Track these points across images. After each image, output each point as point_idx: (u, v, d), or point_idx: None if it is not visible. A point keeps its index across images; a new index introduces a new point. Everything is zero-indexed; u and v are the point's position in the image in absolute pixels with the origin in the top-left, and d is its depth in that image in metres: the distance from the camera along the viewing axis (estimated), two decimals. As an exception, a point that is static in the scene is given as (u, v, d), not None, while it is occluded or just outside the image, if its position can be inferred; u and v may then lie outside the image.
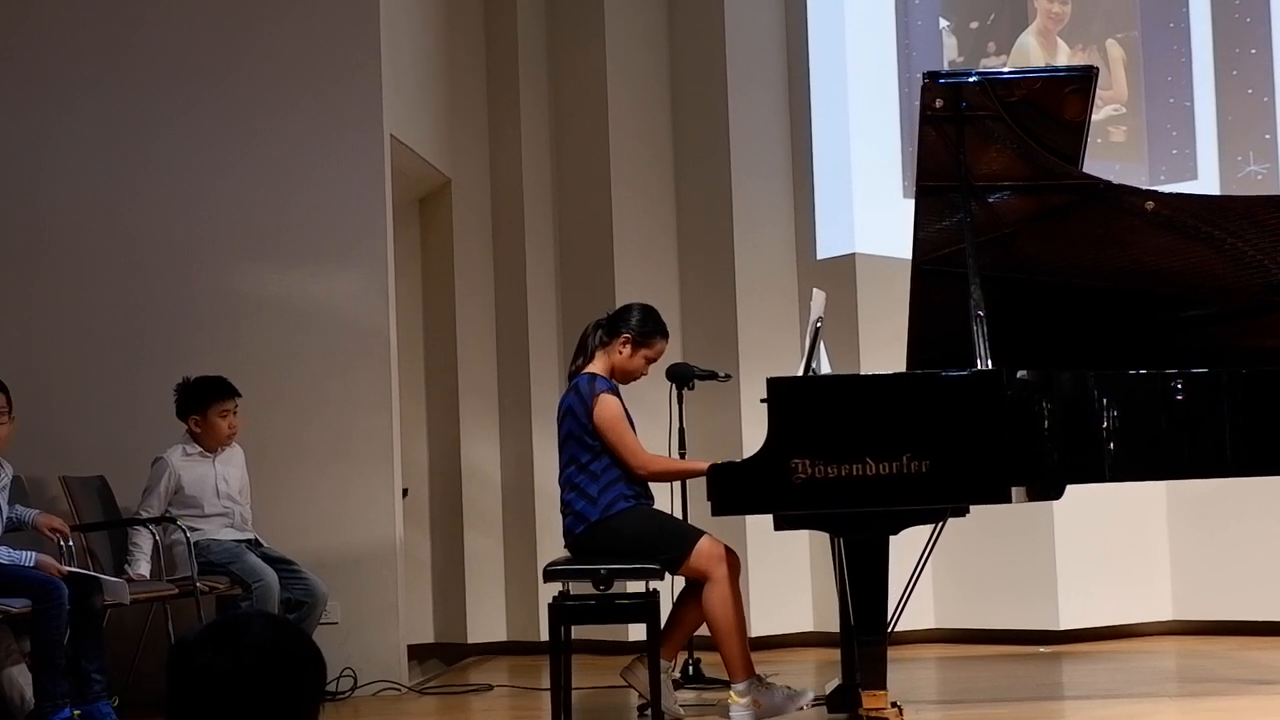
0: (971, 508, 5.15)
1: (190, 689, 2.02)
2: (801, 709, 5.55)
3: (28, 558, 5.51)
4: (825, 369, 5.73)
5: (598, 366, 5.67)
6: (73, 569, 5.70)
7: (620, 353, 5.68)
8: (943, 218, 5.44)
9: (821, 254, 8.12)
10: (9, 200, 7.10)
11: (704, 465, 5.31)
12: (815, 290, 5.61)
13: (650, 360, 5.75)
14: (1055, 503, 5.88)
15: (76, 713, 5.43)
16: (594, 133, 8.32)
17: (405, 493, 7.53)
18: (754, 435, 5.44)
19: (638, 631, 5.98)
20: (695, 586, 5.58)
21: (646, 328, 5.72)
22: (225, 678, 2.00)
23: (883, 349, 7.21)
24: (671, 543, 5.48)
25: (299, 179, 7.13)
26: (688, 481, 6.19)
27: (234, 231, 7.11)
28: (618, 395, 5.61)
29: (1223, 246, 5.40)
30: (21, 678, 5.79)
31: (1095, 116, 5.78)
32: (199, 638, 2.05)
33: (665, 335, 5.78)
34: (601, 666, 6.28)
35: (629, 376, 5.74)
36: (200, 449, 6.56)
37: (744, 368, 7.77)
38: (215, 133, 7.13)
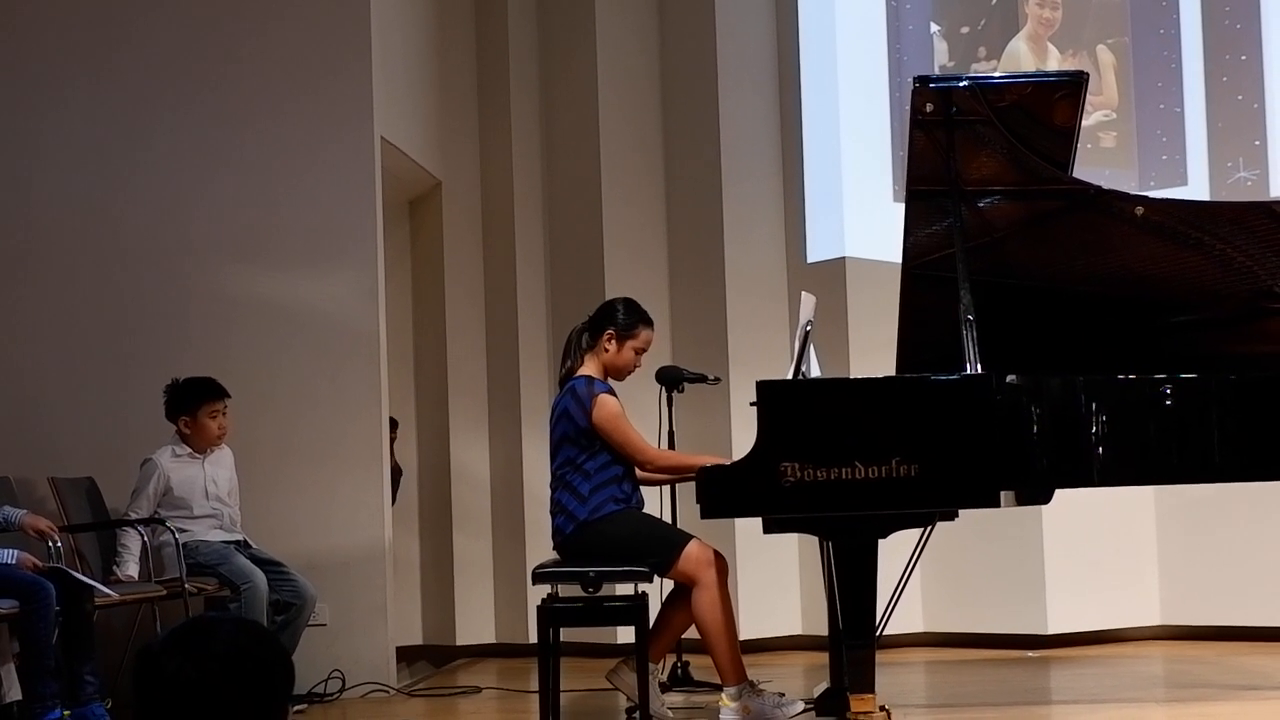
0: (960, 512, 5.16)
1: (158, 696, 2.01)
2: (792, 717, 5.54)
3: (9, 555, 5.50)
4: (815, 372, 5.74)
5: (590, 369, 5.66)
6: (53, 565, 5.68)
7: (607, 349, 5.67)
8: (933, 222, 5.45)
9: (812, 257, 8.12)
10: (-1, 200, 7.10)
11: (711, 460, 5.33)
12: (805, 294, 5.61)
13: (639, 351, 5.72)
14: (1044, 507, 5.89)
15: (67, 713, 5.42)
16: (584, 135, 8.32)
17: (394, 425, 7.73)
18: (743, 438, 5.45)
19: (626, 634, 5.98)
20: (683, 589, 5.57)
21: (628, 319, 5.70)
22: (192, 685, 1.99)
23: (873, 353, 7.21)
24: (660, 546, 5.48)
25: (289, 180, 7.12)
26: (677, 485, 6.18)
27: (224, 233, 7.11)
28: (616, 395, 5.60)
29: (1212, 252, 5.40)
30: (8, 678, 5.78)
31: (1085, 122, 5.79)
32: (165, 644, 2.04)
33: (649, 324, 5.75)
34: (590, 669, 6.28)
35: (622, 372, 5.73)
36: (189, 450, 6.56)
37: (733, 371, 7.77)
38: (205, 134, 7.13)
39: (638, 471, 5.63)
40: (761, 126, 8.29)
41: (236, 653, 2.02)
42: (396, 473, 7.89)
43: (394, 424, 7.94)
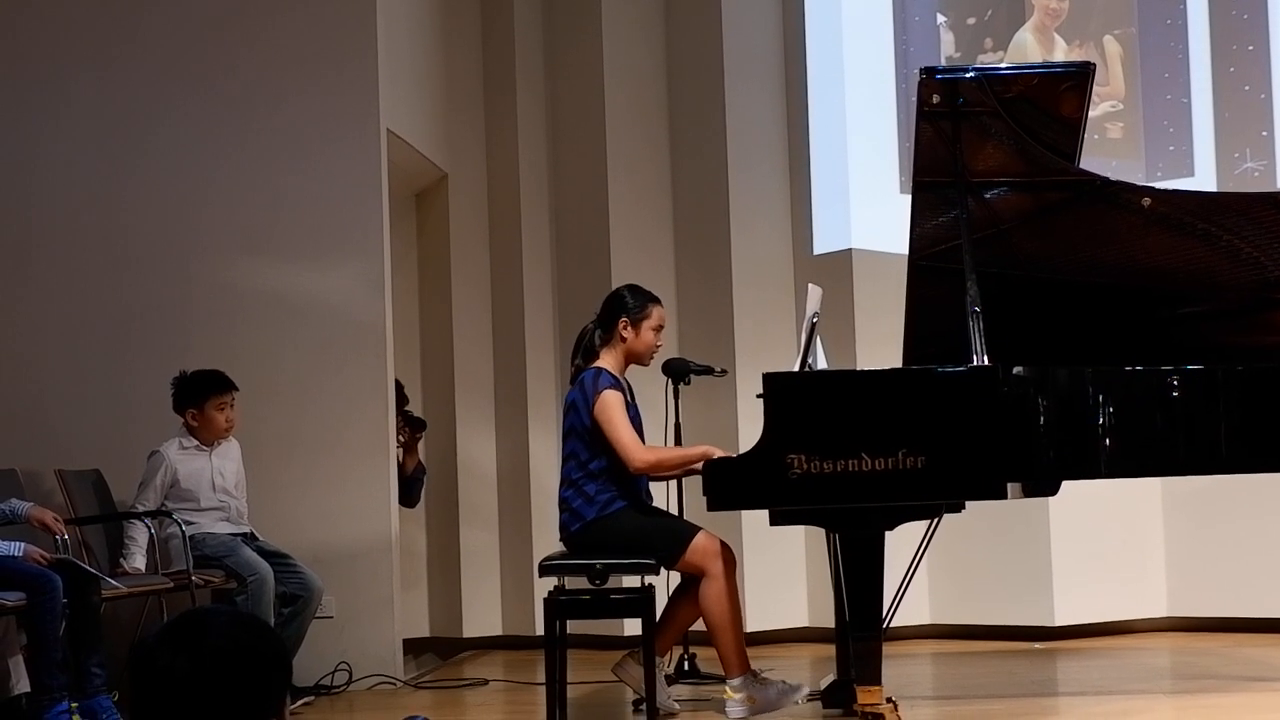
0: (967, 503, 5.15)
1: (152, 690, 2.00)
2: (796, 704, 5.55)
3: (16, 548, 5.51)
4: (821, 364, 5.73)
5: (606, 362, 5.67)
6: (60, 556, 5.68)
7: (625, 338, 5.68)
8: (939, 213, 5.44)
9: (818, 249, 8.11)
10: (3, 193, 7.09)
11: (695, 451, 5.35)
12: (811, 285, 5.60)
13: (657, 329, 5.74)
14: (1051, 499, 5.89)
15: (74, 705, 5.43)
16: (591, 128, 8.31)
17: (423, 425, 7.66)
18: (750, 430, 5.44)
19: (633, 626, 5.98)
20: (690, 582, 5.58)
21: (637, 302, 5.72)
22: (186, 679, 1.97)
23: (879, 344, 7.21)
24: (667, 539, 5.48)
25: (295, 173, 7.12)
26: (683, 479, 6.17)
27: (230, 225, 7.11)
28: (621, 390, 5.60)
29: (1219, 243, 5.40)
30: (16, 670, 5.79)
31: (1092, 113, 5.78)
32: (159, 638, 2.01)
33: (657, 301, 5.77)
34: (597, 661, 6.28)
35: (645, 355, 5.74)
36: (197, 442, 6.56)
37: (740, 363, 7.76)
38: (212, 126, 7.13)
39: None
40: (767, 118, 8.28)
41: (231, 647, 2.00)
42: (420, 471, 7.84)
43: (423, 424, 7.84)
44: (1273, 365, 5.21)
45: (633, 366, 5.78)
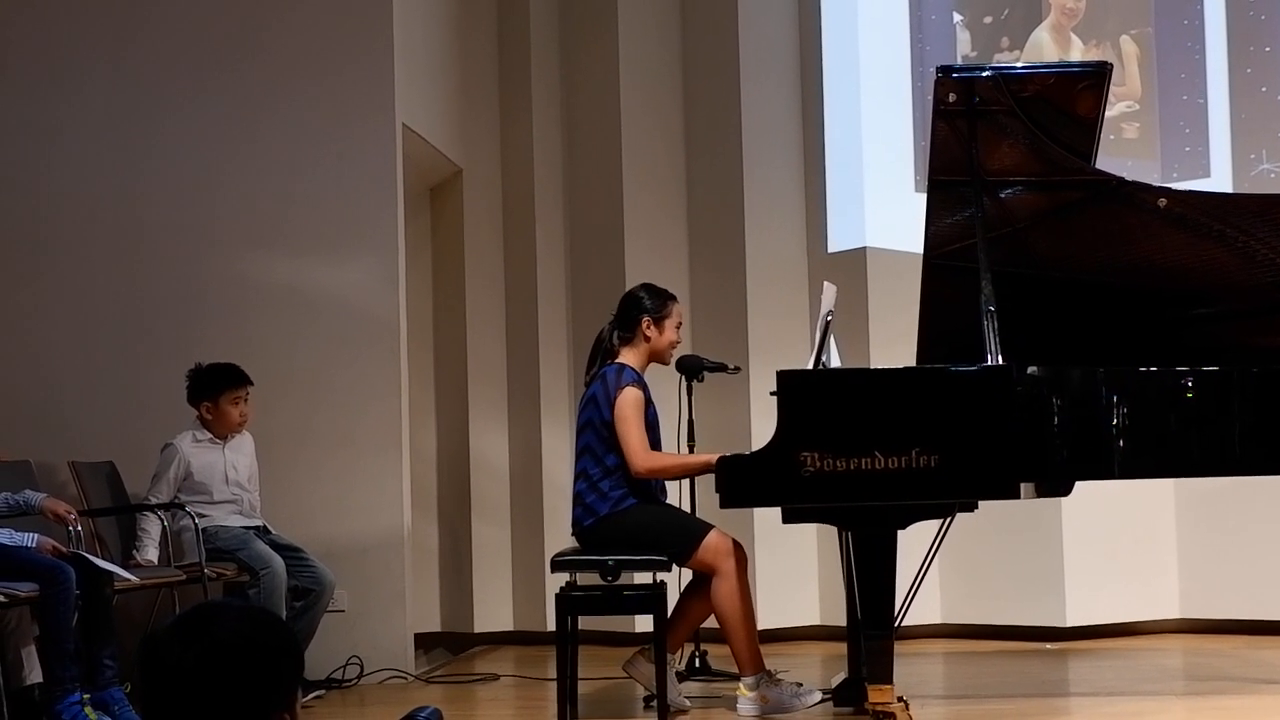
0: (980, 503, 5.15)
1: (161, 684, 1.99)
2: (809, 706, 5.55)
3: (29, 539, 5.52)
4: (835, 362, 5.73)
5: (627, 360, 5.68)
6: (74, 550, 5.69)
7: (649, 337, 5.71)
8: (954, 212, 5.44)
9: (832, 247, 8.11)
10: (18, 185, 7.10)
11: (701, 459, 5.35)
12: (826, 283, 5.61)
13: (678, 326, 5.81)
14: (1063, 499, 5.88)
15: (86, 696, 5.44)
16: (605, 123, 8.31)
17: None
18: (763, 428, 5.43)
19: (644, 623, 5.98)
20: (701, 579, 5.58)
21: (656, 301, 5.77)
22: (194, 673, 1.97)
23: (893, 343, 7.19)
24: (679, 536, 5.49)
25: (310, 167, 7.13)
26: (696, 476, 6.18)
27: (244, 219, 7.12)
28: (644, 390, 5.61)
29: (1235, 244, 5.39)
30: (29, 660, 5.80)
31: (1108, 113, 5.77)
32: (168, 632, 2.01)
33: (674, 298, 5.85)
34: (608, 657, 6.28)
35: (667, 353, 5.80)
36: (210, 436, 6.57)
37: (754, 360, 7.76)
38: (226, 120, 7.13)
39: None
40: (783, 115, 8.27)
41: (240, 641, 1.99)
42: None
43: None
44: (1288, 367, 5.20)
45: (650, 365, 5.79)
